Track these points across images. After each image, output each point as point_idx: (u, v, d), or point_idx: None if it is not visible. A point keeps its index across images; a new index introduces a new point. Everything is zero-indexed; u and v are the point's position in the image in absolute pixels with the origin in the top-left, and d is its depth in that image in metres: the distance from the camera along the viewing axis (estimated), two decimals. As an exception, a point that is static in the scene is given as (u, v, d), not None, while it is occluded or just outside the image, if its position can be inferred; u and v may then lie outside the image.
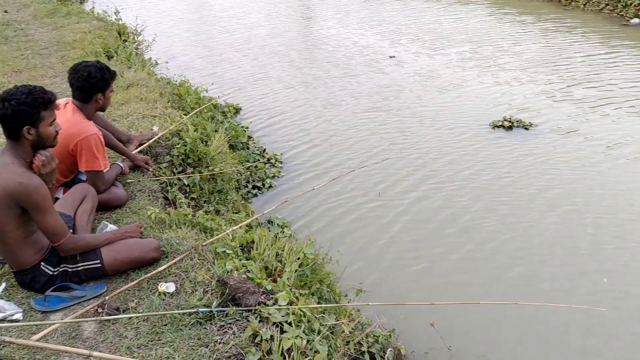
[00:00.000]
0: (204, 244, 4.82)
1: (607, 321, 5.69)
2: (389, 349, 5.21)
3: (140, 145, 6.72)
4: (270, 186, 8.75)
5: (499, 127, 10.33)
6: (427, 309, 5.80)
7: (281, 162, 9.49)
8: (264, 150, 9.87)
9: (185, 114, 8.37)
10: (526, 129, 10.25)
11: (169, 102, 8.58)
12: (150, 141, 6.83)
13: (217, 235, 5.10)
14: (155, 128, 7.26)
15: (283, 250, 5.13)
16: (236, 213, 6.95)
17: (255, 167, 8.96)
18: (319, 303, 4.83)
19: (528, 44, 15.56)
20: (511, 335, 5.66)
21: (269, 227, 7.03)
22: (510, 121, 10.37)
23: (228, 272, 4.34)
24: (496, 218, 7.67)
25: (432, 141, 10.07)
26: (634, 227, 7.29)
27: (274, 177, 9.00)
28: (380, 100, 12.16)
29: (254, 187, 8.62)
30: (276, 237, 5.56)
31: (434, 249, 7.09)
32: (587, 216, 7.59)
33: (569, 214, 7.67)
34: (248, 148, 9.66)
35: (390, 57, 14.85)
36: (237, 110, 11.73)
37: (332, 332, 4.74)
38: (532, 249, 6.97)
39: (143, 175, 6.35)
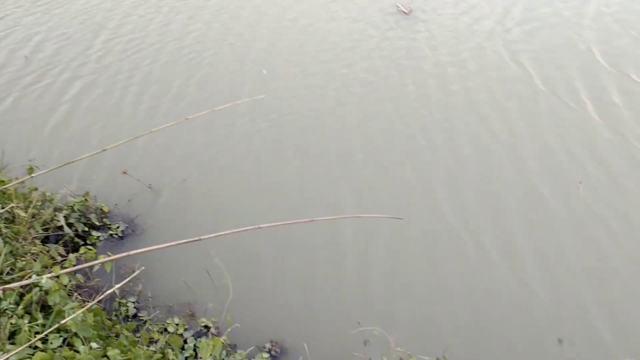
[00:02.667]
0: None
1: (266, 106, 6.46)
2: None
3: None
4: None
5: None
6: (119, 159, 5.63)
7: None
8: None
9: None
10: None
11: None
12: None
13: None
14: None
15: None
16: None
17: None
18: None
19: None
20: (188, 149, 5.96)
21: None
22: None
23: None
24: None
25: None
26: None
27: None
28: None
29: None
30: None
31: (96, 99, 6.78)
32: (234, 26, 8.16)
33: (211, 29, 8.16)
34: None
35: None
36: None
37: (12, 222, 4.22)
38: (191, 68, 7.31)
39: None
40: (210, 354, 2.72)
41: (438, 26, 7.96)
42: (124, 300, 4.40)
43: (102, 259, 3.64)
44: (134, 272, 4.44)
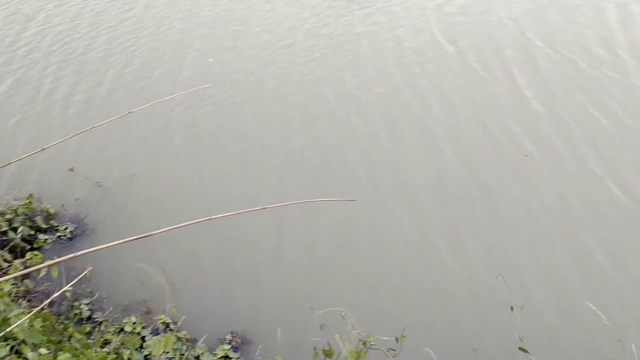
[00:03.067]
0: None
1: (206, 93, 6.40)
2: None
3: None
4: None
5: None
6: (58, 156, 5.45)
7: None
8: None
9: None
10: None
11: None
12: None
13: None
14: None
15: None
16: None
17: None
18: None
19: None
20: (131, 143, 5.87)
21: None
22: None
23: None
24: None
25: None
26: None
27: None
28: None
29: None
30: None
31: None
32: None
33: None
34: None
35: None
36: None
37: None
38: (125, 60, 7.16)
39: None
40: (164, 351, 2.68)
41: (373, 6, 8.09)
42: (77, 303, 4.27)
43: (48, 262, 3.52)
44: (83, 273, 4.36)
